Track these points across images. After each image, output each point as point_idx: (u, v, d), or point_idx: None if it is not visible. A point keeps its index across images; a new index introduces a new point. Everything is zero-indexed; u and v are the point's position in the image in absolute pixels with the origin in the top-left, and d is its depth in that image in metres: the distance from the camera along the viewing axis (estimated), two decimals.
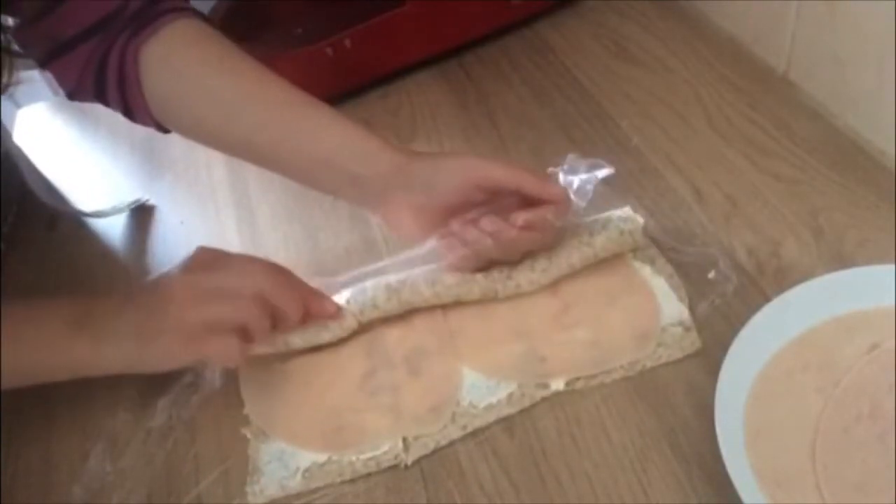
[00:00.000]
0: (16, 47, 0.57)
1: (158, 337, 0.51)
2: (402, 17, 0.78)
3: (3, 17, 0.57)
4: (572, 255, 0.56)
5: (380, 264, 0.58)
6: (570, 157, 0.57)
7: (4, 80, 0.55)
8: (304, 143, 0.57)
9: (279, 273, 0.54)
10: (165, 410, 0.55)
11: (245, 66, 0.58)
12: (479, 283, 0.56)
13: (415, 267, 0.57)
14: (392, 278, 0.56)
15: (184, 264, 0.53)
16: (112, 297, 0.54)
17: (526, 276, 0.55)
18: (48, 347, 0.52)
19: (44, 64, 0.60)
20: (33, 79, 0.61)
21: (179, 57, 0.58)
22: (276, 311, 0.53)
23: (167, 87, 0.59)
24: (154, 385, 0.56)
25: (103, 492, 0.52)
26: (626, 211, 0.58)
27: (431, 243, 0.55)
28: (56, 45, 0.59)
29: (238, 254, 0.55)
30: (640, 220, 0.57)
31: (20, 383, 0.53)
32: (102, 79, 0.59)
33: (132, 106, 0.60)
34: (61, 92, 0.63)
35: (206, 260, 0.53)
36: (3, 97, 0.58)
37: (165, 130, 0.62)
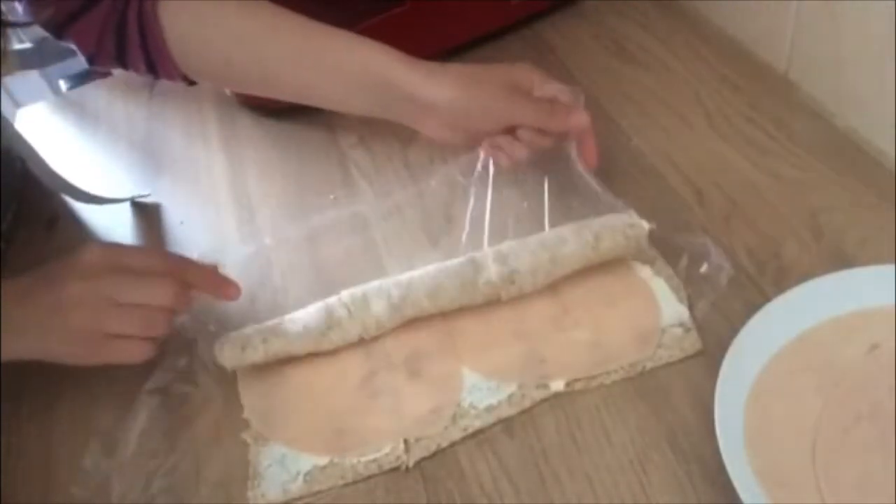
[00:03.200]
0: (13, 18, 0.58)
1: (62, 339, 0.51)
2: (402, 16, 0.78)
3: None
4: (575, 260, 0.55)
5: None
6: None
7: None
8: (341, 68, 0.59)
9: (176, 269, 0.54)
10: (151, 399, 0.56)
11: (263, 2, 0.60)
12: (482, 291, 0.55)
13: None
14: (394, 292, 0.55)
15: (80, 267, 0.52)
16: (20, 280, 0.53)
17: (529, 281, 0.55)
18: None
19: (60, 33, 0.61)
20: (33, 78, 0.61)
21: (199, 11, 0.59)
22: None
23: (190, 33, 0.60)
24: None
25: (102, 490, 0.52)
26: (633, 216, 0.57)
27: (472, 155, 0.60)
28: (69, 12, 0.59)
29: (133, 249, 0.54)
30: (646, 225, 0.56)
31: None
32: (123, 38, 0.60)
33: (156, 60, 0.61)
34: (62, 90, 0.63)
35: (102, 263, 0.52)
36: (3, 96, 0.58)
37: (191, 82, 0.63)
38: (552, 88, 0.59)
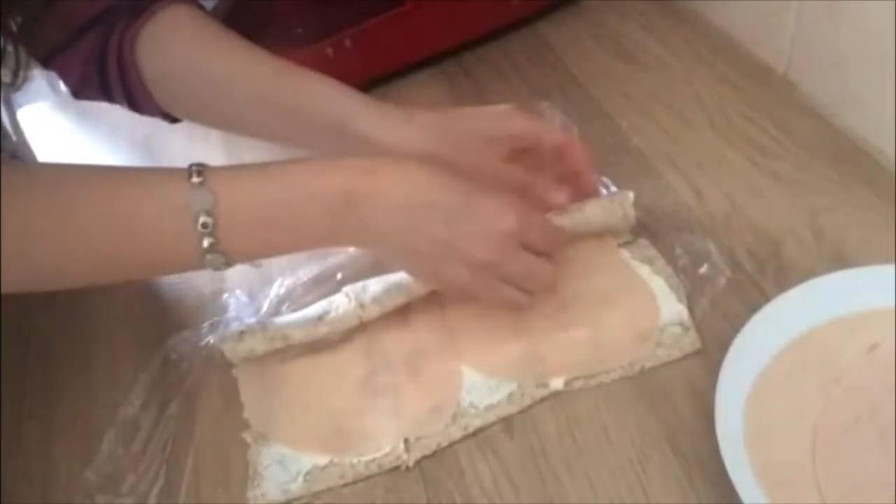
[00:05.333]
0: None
1: (451, 264, 0.49)
2: (402, 17, 0.78)
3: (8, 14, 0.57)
4: (563, 219, 0.55)
5: None
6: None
7: (20, 79, 0.55)
8: (304, 112, 0.56)
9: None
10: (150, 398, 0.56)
11: (234, 45, 0.58)
12: None
13: None
14: (393, 278, 0.56)
15: (493, 233, 0.48)
16: (395, 172, 0.48)
17: None
18: (308, 224, 0.48)
19: (47, 62, 0.60)
20: (33, 78, 0.61)
21: (172, 40, 0.58)
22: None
23: (163, 70, 0.59)
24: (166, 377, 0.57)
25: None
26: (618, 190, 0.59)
27: None
28: (57, 42, 0.59)
29: (538, 228, 0.51)
30: (631, 194, 0.57)
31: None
32: (104, 71, 0.59)
33: (135, 95, 0.60)
34: (62, 90, 0.63)
35: (513, 238, 0.49)
36: (3, 99, 0.58)
37: (173, 119, 0.62)
38: (551, 138, 0.56)
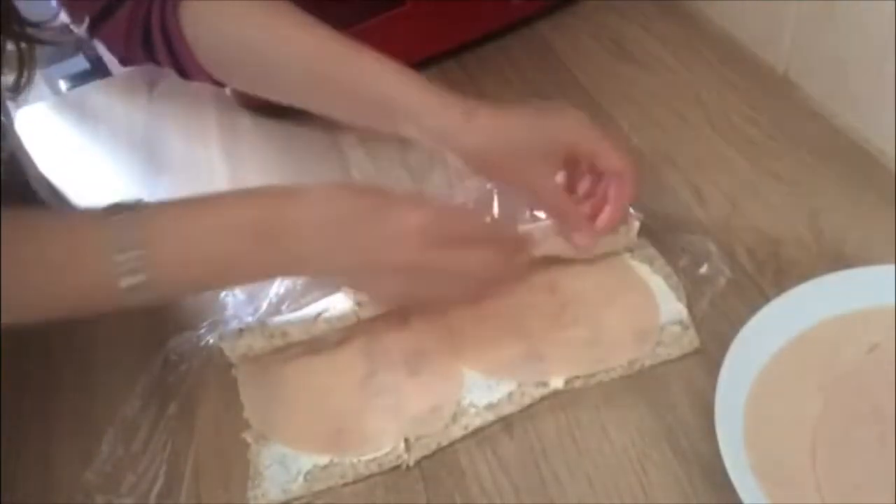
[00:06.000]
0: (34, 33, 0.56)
1: (378, 273, 0.49)
2: (402, 17, 0.78)
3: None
4: (567, 248, 0.56)
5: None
6: None
7: (23, 83, 0.55)
8: (360, 96, 0.55)
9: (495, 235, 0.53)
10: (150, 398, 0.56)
11: (285, 17, 0.57)
12: None
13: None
14: None
15: (403, 236, 0.48)
16: (306, 198, 0.48)
17: None
18: (233, 258, 0.48)
19: (91, 34, 0.60)
20: (35, 84, 0.61)
21: (217, 12, 0.57)
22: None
23: (210, 43, 0.58)
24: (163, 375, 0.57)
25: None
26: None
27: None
28: (97, 13, 0.58)
29: (454, 219, 0.51)
30: (636, 223, 0.57)
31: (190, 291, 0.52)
32: (149, 42, 0.59)
33: (184, 64, 0.59)
34: (62, 90, 0.63)
35: (426, 234, 0.48)
36: (3, 97, 0.58)
37: (223, 85, 0.62)
38: (607, 163, 0.54)
